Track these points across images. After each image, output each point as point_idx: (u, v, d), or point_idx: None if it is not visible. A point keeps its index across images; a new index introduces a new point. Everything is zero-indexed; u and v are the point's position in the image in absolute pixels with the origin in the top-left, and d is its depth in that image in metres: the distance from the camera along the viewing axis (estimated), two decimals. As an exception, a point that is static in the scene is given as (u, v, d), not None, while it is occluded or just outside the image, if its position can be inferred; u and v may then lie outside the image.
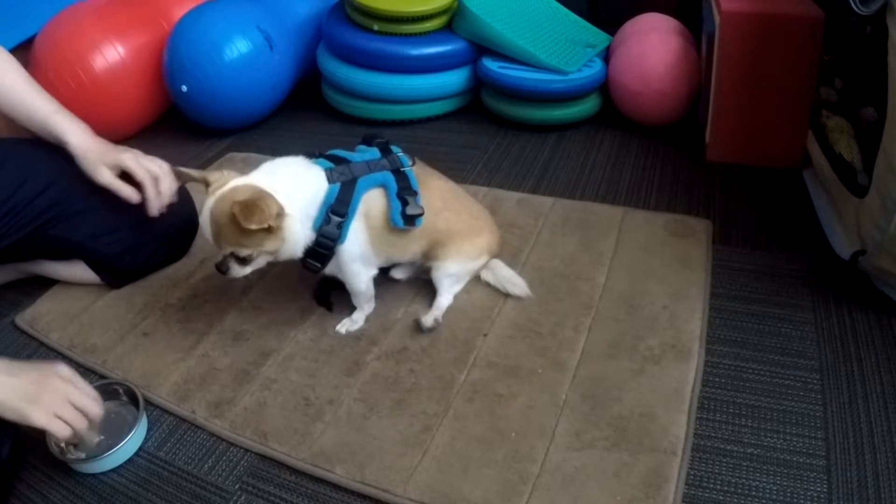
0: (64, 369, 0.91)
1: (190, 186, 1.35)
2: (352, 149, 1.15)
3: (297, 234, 1.02)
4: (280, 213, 0.98)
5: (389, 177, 1.07)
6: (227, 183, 1.01)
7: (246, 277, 1.05)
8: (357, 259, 1.09)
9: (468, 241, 1.18)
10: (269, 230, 0.98)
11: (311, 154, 1.10)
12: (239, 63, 1.73)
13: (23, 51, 1.73)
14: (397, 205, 1.06)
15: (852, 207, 1.18)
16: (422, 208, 1.07)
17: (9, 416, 0.85)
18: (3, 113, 1.19)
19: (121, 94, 1.77)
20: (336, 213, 1.03)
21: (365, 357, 1.11)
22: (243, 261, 1.02)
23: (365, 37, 1.79)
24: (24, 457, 0.99)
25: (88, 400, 0.91)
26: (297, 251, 1.05)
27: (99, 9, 1.78)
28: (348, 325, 1.17)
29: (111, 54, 1.72)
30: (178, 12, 1.85)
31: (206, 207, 1.01)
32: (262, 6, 1.85)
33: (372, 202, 1.07)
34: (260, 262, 1.04)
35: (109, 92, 1.73)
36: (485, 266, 1.23)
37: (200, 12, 1.79)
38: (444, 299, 1.19)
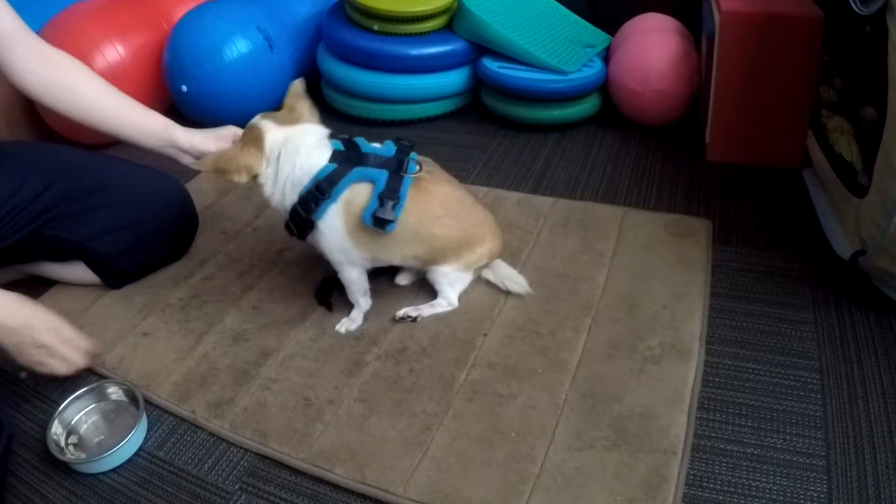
0: (39, 334, 0.99)
1: (189, 187, 1.36)
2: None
3: (271, 192, 1.10)
4: (251, 174, 1.08)
5: (382, 176, 1.07)
6: (270, 123, 1.11)
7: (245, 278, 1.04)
8: (337, 248, 1.11)
9: (468, 250, 1.17)
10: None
11: (336, 134, 1.13)
12: (239, 63, 1.73)
13: (23, 51, 1.73)
14: (374, 204, 1.06)
15: (852, 207, 1.18)
16: (393, 215, 1.06)
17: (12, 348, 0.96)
18: (88, 125, 1.22)
19: (121, 94, 1.76)
20: (319, 189, 1.05)
21: (365, 357, 1.11)
22: None
23: (365, 37, 1.79)
24: (23, 456, 0.99)
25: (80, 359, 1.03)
26: (270, 201, 1.11)
27: (99, 9, 1.78)
28: (347, 324, 1.17)
29: (111, 54, 1.72)
30: (178, 12, 1.85)
31: (258, 118, 1.13)
32: (262, 6, 1.85)
33: (357, 193, 1.07)
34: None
35: (109, 92, 1.73)
36: (486, 266, 1.23)
37: (200, 12, 1.78)
38: (441, 301, 1.19)
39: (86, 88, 1.20)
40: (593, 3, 2.13)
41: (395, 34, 1.78)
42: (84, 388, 1.06)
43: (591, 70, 1.76)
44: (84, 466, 0.97)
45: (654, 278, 1.24)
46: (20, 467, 0.98)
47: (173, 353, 1.15)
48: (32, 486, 0.96)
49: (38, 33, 1.73)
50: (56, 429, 1.00)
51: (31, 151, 1.24)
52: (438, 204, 1.12)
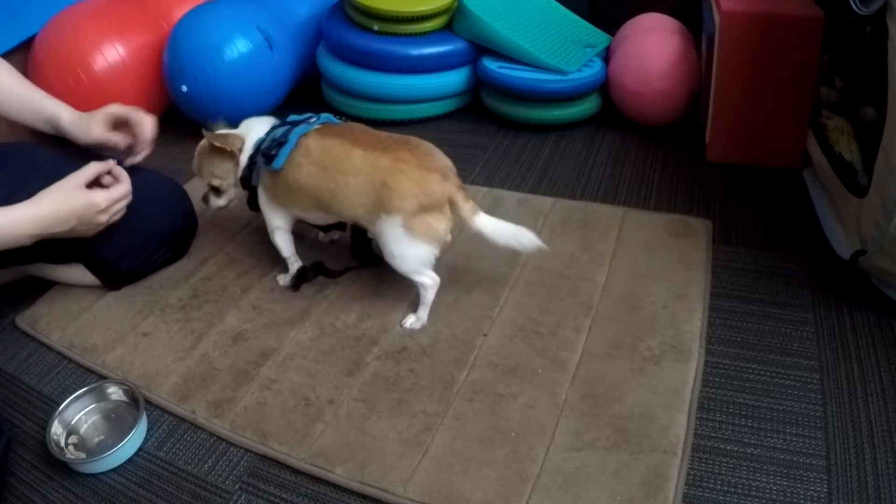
0: (99, 203, 1.12)
1: (188, 188, 1.36)
2: None
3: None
4: (233, 149, 1.21)
5: (286, 129, 1.18)
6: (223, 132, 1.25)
7: (245, 277, 1.05)
8: (266, 203, 1.23)
9: (375, 206, 1.09)
10: (232, 156, 1.22)
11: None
12: (239, 63, 1.73)
13: (23, 51, 1.73)
14: (267, 146, 1.17)
15: (852, 207, 1.18)
16: (277, 152, 1.15)
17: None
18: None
19: (121, 94, 1.76)
20: (275, 141, 1.17)
21: (365, 357, 1.12)
22: (217, 191, 1.26)
23: (365, 37, 1.79)
24: (23, 456, 0.99)
25: (123, 200, 1.16)
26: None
27: (99, 9, 1.78)
28: (283, 278, 1.29)
29: (111, 54, 1.72)
30: (178, 12, 1.85)
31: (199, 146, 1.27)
32: (262, 6, 1.85)
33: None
34: (230, 195, 1.27)
35: (109, 92, 1.73)
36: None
37: (200, 12, 1.78)
38: (420, 290, 1.16)
39: None
40: (593, 3, 2.13)
41: (395, 34, 1.78)
42: (84, 388, 1.06)
43: (591, 70, 1.77)
44: (84, 466, 0.97)
45: (654, 278, 1.24)
46: (20, 467, 0.98)
47: (173, 353, 1.15)
48: (32, 486, 0.96)
49: (38, 33, 1.76)
50: (56, 429, 1.00)
51: (30, 153, 1.24)
52: (302, 154, 1.15)
